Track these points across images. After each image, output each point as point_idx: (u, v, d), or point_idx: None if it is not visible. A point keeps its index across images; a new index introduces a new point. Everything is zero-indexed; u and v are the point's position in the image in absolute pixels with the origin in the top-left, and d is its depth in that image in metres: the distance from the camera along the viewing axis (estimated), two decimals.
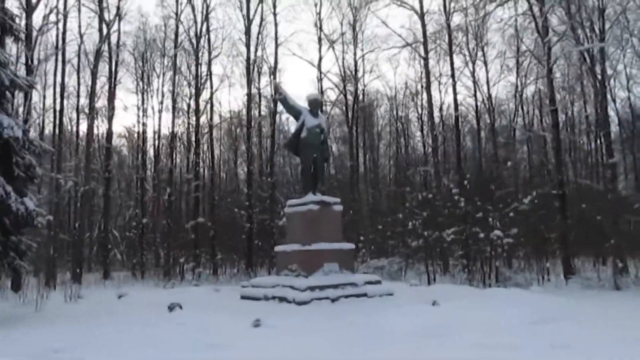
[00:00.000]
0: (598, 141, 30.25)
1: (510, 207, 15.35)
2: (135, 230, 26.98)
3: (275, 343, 6.74)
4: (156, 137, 29.52)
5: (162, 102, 28.97)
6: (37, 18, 19.08)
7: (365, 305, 10.84)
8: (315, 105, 12.95)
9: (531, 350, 6.41)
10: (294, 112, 12.96)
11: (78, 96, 24.71)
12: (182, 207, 27.86)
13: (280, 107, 19.69)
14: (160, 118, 29.56)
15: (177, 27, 25.18)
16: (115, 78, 25.34)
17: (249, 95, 25.31)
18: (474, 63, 27.53)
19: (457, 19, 28.11)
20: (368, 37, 34.12)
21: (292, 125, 37.44)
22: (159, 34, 28.03)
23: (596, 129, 24.48)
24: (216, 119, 30.65)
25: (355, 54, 29.13)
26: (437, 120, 36.54)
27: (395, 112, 36.95)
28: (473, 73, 27.49)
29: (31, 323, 9.12)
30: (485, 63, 28.21)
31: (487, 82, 28.13)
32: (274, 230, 21.99)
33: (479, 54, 27.76)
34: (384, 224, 20.49)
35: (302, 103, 13.13)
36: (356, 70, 29.41)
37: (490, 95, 28.45)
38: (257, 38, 25.54)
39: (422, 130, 37.23)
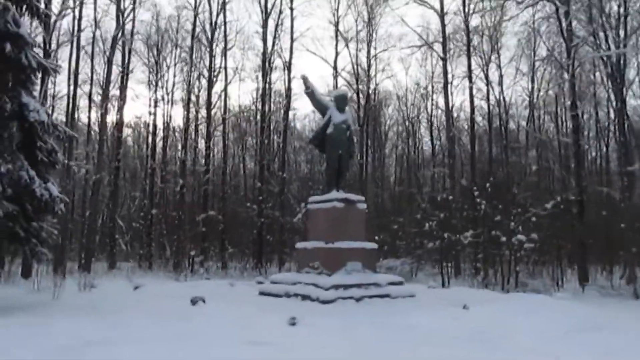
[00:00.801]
0: (605, 148, 30.16)
1: (530, 211, 15.15)
2: (143, 221, 26.73)
3: (316, 342, 6.51)
4: (165, 128, 29.32)
5: (172, 93, 28.81)
6: (55, 2, 18.85)
7: (391, 306, 10.60)
8: (342, 100, 12.70)
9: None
10: (321, 107, 12.72)
11: (91, 84, 24.46)
12: (192, 199, 27.53)
13: (303, 101, 19.53)
14: (171, 109, 29.21)
15: (195, 17, 24.89)
16: (128, 67, 25.07)
17: (265, 89, 25.10)
18: (487, 66, 27.34)
19: (474, 21, 27.80)
20: (381, 36, 33.88)
21: (297, 121, 37.22)
22: (172, 24, 27.82)
23: (614, 135, 24.22)
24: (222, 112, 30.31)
25: (369, 53, 28.90)
26: (442, 121, 36.67)
27: (405, 112, 36.69)
28: (487, 76, 27.30)
29: (52, 312, 8.85)
30: (499, 66, 28.03)
31: (501, 85, 27.93)
32: (286, 226, 21.74)
33: (493, 56, 27.60)
34: (398, 224, 20.26)
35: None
36: (369, 69, 29.19)
37: (504, 99, 28.27)
38: (275, 31, 25.31)
39: (431, 131, 37.05)
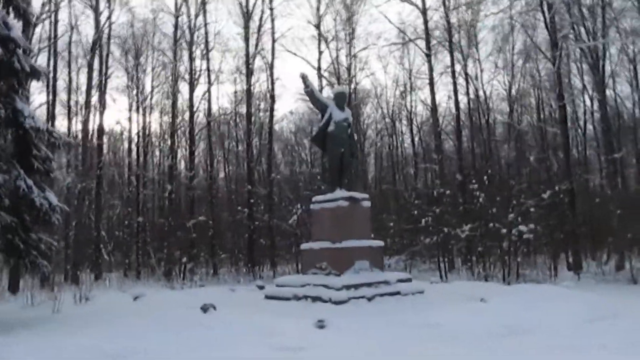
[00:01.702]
0: (583, 136, 30.67)
1: (527, 203, 15.26)
2: (127, 229, 26.04)
3: (350, 345, 6.32)
4: (144, 134, 28.62)
5: (152, 97, 28.18)
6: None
7: (404, 304, 10.45)
8: (342, 98, 12.53)
9: (621, 349, 6.13)
10: (321, 105, 12.52)
11: (69, 91, 23.70)
12: (178, 205, 26.91)
13: (280, 101, 19.18)
14: (150, 114, 28.50)
15: (176, 19, 24.34)
16: (106, 72, 24.40)
17: (249, 90, 24.75)
18: (466, 61, 27.52)
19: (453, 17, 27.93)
20: (359, 35, 33.76)
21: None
22: (148, 27, 27.16)
23: (595, 124, 24.69)
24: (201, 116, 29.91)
25: (349, 52, 28.75)
26: (423, 118, 36.85)
27: (386, 110, 36.67)
28: (465, 70, 27.46)
29: (60, 326, 8.45)
30: (478, 60, 28.28)
31: (481, 80, 28.20)
32: (281, 227, 21.46)
33: (472, 51, 27.79)
34: (391, 221, 20.20)
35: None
36: (350, 68, 29.05)
37: (484, 92, 28.55)
38: (258, 32, 24.99)
39: (411, 128, 37.17)
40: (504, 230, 14.49)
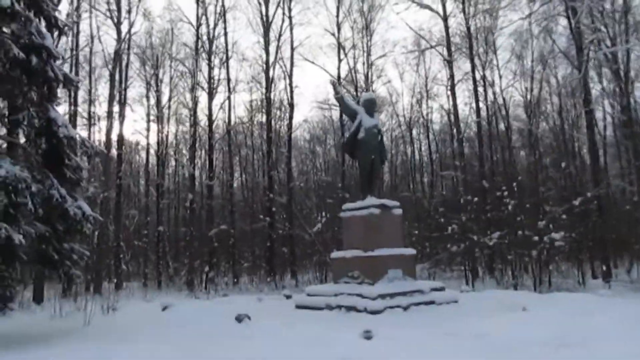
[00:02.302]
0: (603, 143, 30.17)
1: (557, 210, 14.95)
2: (146, 238, 25.98)
3: (405, 357, 6.08)
4: (161, 143, 28.66)
5: (169, 107, 28.25)
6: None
7: (441, 313, 10.21)
8: (372, 105, 12.38)
9: None
10: (350, 112, 12.37)
11: (90, 102, 23.81)
12: (199, 214, 26.83)
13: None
14: (168, 123, 28.56)
15: (197, 30, 24.38)
16: (126, 82, 24.47)
17: (269, 98, 24.71)
18: (484, 67, 27.29)
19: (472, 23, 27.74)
20: (376, 42, 33.68)
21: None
22: (167, 36, 27.30)
23: (619, 130, 24.29)
24: (219, 125, 29.93)
25: (367, 60, 28.58)
26: (436, 126, 36.62)
27: (403, 117, 36.46)
28: (484, 77, 27.21)
29: (102, 339, 8.12)
30: (497, 67, 28.06)
31: (500, 86, 27.94)
32: (305, 236, 21.26)
33: (491, 58, 27.58)
34: (415, 229, 19.94)
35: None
36: (367, 76, 28.90)
37: (503, 99, 28.26)
38: (278, 40, 25.04)
39: (428, 135, 36.94)
40: (536, 238, 14.17)
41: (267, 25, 24.95)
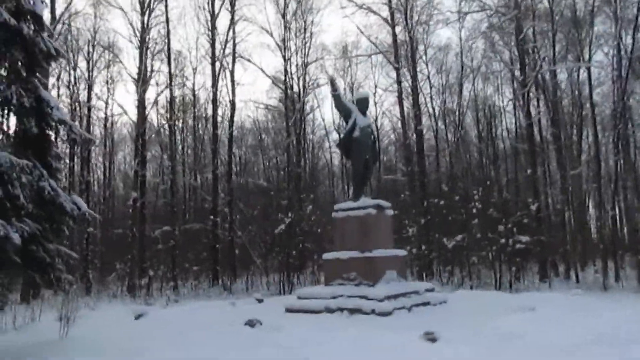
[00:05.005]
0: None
1: (518, 214, 15.78)
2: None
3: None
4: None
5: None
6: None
7: (442, 313, 10.24)
8: (365, 104, 12.19)
9: None
10: (345, 110, 12.06)
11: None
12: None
13: None
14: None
15: (142, 24, 22.60)
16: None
17: (215, 98, 23.71)
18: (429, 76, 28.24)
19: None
20: (313, 45, 33.42)
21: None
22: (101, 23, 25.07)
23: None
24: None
25: (305, 63, 28.18)
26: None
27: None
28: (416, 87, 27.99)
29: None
30: (446, 74, 29.16)
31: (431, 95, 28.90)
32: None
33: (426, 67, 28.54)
34: None
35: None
36: (304, 80, 28.52)
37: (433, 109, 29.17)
38: (227, 34, 24.09)
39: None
40: (503, 240, 14.81)
41: (213, 20, 23.99)
